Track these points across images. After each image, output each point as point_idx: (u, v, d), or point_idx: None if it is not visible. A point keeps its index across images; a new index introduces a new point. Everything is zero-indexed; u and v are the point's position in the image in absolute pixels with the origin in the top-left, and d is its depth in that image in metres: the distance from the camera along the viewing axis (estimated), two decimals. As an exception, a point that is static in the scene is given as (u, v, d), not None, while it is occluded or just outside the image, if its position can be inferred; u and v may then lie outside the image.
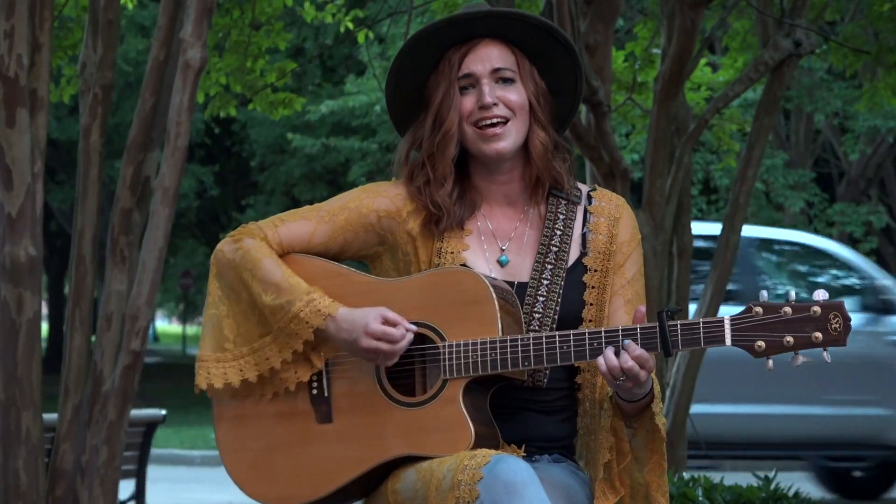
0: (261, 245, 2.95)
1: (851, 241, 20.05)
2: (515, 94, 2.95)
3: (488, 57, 2.95)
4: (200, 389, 2.96)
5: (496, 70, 2.94)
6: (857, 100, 9.59)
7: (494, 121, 2.93)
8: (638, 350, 2.74)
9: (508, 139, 2.94)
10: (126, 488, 6.65)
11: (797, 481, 7.84)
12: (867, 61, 9.10)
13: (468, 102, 2.95)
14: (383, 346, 2.83)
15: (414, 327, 2.85)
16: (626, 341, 2.75)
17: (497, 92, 2.94)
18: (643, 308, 2.80)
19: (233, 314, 2.97)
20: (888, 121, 17.17)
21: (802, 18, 7.30)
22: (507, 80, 2.95)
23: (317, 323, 2.87)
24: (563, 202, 3.00)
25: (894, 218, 21.98)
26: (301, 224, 3.00)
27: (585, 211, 3.02)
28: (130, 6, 8.94)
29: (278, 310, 2.89)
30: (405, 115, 3.05)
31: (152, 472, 8.39)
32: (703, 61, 9.90)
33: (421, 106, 3.01)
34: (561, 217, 2.99)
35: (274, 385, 2.94)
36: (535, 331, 2.89)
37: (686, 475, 6.40)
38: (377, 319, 2.83)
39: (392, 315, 2.84)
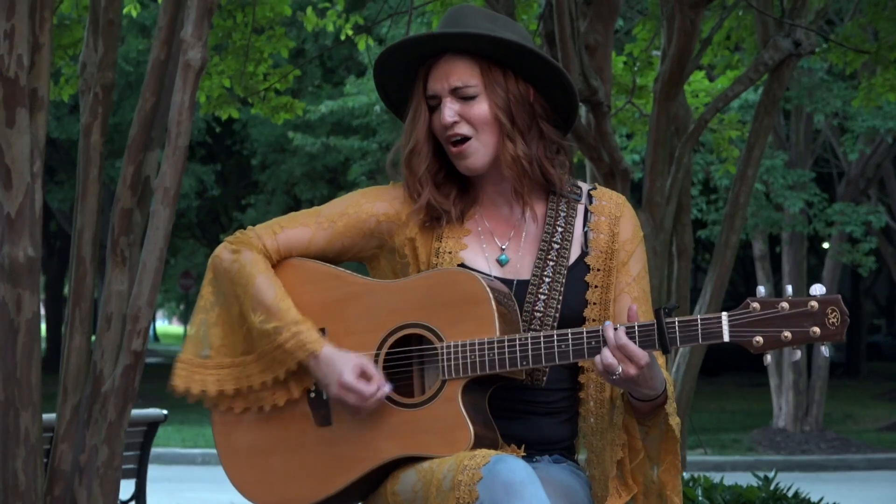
0: (257, 259, 2.95)
1: (851, 241, 20.05)
2: (478, 110, 2.93)
3: (447, 75, 2.94)
4: (176, 390, 2.94)
5: (455, 89, 2.94)
6: (856, 99, 9.57)
7: (457, 138, 2.93)
8: (623, 339, 2.72)
9: (475, 156, 2.94)
10: (126, 488, 6.64)
11: (797, 481, 7.84)
12: (866, 60, 9.09)
13: (437, 120, 2.96)
14: (351, 399, 2.83)
15: (387, 388, 2.84)
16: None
17: (458, 108, 2.94)
18: (635, 307, 2.80)
19: (221, 323, 2.97)
20: (887, 121, 17.15)
21: (802, 18, 7.29)
22: (468, 97, 2.94)
23: (300, 357, 2.88)
24: (563, 200, 3.00)
25: (894, 218, 21.97)
26: (300, 231, 3.01)
27: (586, 210, 3.01)
28: (135, 13, 8.95)
29: (265, 335, 2.90)
30: (403, 114, 3.05)
31: (153, 471, 8.38)
32: (699, 74, 9.89)
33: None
34: (562, 215, 2.99)
35: (248, 401, 2.95)
36: (536, 329, 2.89)
37: (686, 475, 6.41)
38: (354, 371, 2.84)
39: (370, 369, 2.85)
